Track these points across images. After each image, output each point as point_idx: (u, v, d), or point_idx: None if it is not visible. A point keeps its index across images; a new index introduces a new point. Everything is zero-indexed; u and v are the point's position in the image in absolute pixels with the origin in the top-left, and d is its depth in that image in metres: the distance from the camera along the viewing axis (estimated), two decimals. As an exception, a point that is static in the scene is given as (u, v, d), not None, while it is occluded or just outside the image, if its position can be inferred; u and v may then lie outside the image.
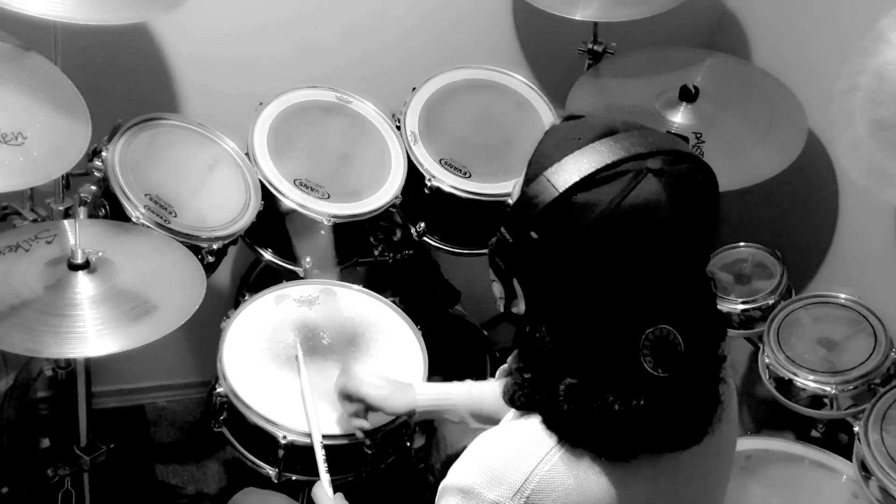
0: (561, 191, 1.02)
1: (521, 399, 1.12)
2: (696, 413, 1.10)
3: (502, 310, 1.14)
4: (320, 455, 1.61)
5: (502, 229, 1.09)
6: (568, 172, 1.02)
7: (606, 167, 1.01)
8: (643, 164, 1.02)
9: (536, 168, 1.06)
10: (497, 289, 1.14)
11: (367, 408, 1.64)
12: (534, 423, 1.09)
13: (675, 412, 1.07)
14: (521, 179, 1.11)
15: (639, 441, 1.07)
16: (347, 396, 1.65)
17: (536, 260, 1.06)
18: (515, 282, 1.10)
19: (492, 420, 1.61)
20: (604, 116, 1.12)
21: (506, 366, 1.50)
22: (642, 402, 1.03)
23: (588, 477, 1.06)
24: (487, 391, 1.61)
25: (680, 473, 1.13)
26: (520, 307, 1.11)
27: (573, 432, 1.06)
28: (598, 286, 1.03)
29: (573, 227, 1.02)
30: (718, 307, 1.13)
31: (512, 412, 1.16)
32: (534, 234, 1.05)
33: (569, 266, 1.03)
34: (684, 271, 1.05)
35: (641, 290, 1.02)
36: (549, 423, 1.08)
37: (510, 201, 1.12)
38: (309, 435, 1.67)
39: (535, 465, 1.06)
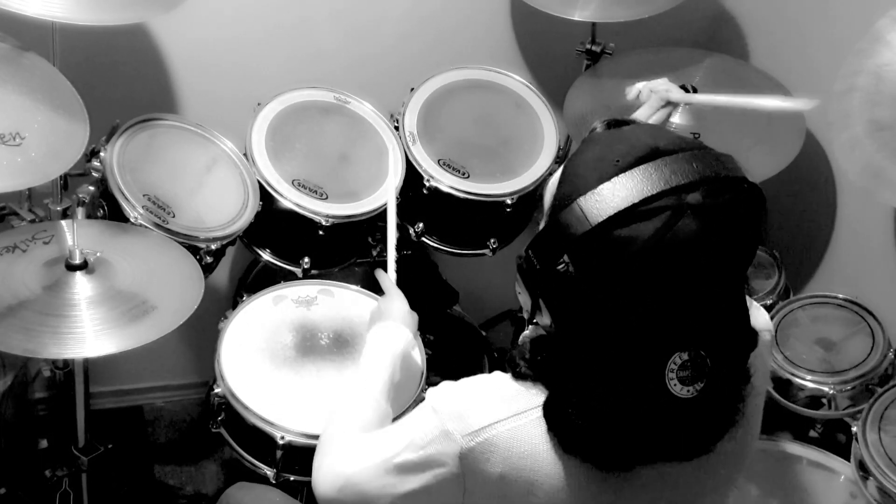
0: (594, 224, 0.97)
1: (524, 377, 1.11)
2: (709, 430, 1.08)
3: (526, 318, 1.13)
4: (392, 256, 1.69)
5: (530, 252, 1.05)
6: (604, 204, 0.97)
7: (644, 201, 0.96)
8: (684, 198, 0.97)
9: (569, 190, 1.02)
10: (524, 300, 1.12)
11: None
12: (524, 385, 1.10)
13: (689, 429, 1.05)
14: (552, 189, 1.07)
15: (631, 455, 1.06)
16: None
17: (564, 288, 1.03)
18: (541, 301, 1.08)
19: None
20: (647, 130, 1.07)
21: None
22: (659, 423, 1.03)
23: (548, 452, 1.07)
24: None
25: (668, 479, 1.12)
26: (545, 321, 1.09)
27: (572, 437, 1.06)
28: (629, 317, 1.00)
29: (606, 264, 0.98)
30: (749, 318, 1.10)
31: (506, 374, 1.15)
32: (563, 265, 1.01)
33: (599, 299, 1.00)
34: (718, 293, 1.03)
35: (672, 318, 1.00)
36: (548, 417, 1.07)
37: (546, 203, 1.08)
38: (310, 435, 1.67)
39: (501, 417, 1.07)
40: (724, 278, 1.03)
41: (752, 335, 1.10)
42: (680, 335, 1.01)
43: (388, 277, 1.69)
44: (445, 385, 1.14)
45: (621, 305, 1.00)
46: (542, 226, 1.08)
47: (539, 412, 1.08)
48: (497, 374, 1.15)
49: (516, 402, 1.09)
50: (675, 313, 1.00)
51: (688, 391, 1.01)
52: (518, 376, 1.12)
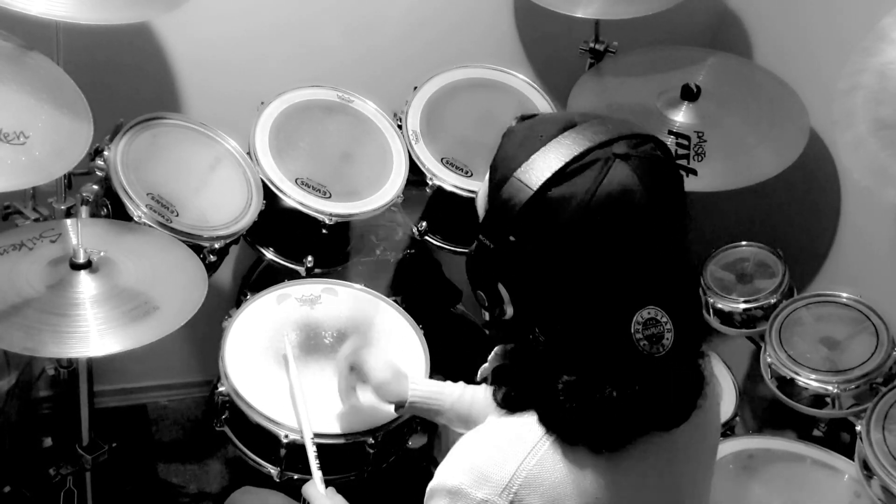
0: (535, 188, 1.03)
1: (515, 400, 1.11)
2: (686, 390, 1.11)
3: (487, 318, 1.15)
4: (311, 451, 1.61)
5: (480, 237, 1.10)
6: (539, 170, 1.03)
7: (575, 159, 1.03)
8: (609, 150, 1.03)
9: (504, 171, 1.07)
10: (481, 298, 1.14)
11: (363, 381, 1.66)
12: (519, 419, 1.09)
13: (669, 391, 1.07)
14: (485, 186, 1.11)
15: (632, 427, 1.07)
16: (350, 367, 1.66)
17: (520, 261, 1.06)
18: (501, 287, 1.10)
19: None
20: (558, 112, 1.14)
21: (486, 366, 1.50)
22: (638, 387, 1.04)
23: (576, 467, 1.06)
24: (479, 397, 1.60)
25: (669, 452, 1.13)
26: (507, 311, 1.11)
27: (572, 428, 1.06)
28: (585, 277, 1.03)
29: (553, 223, 1.03)
30: (695, 281, 1.14)
31: (496, 411, 1.15)
32: (513, 237, 1.05)
33: (553, 262, 1.04)
34: (664, 249, 1.06)
35: (627, 275, 1.03)
36: (547, 421, 1.07)
37: (479, 209, 1.13)
38: (301, 434, 1.67)
39: (521, 460, 1.06)
40: (664, 229, 1.06)
41: (699, 300, 1.15)
42: (637, 292, 1.04)
43: (316, 490, 1.54)
44: (445, 465, 1.11)
45: (573, 266, 1.03)
46: (483, 212, 1.11)
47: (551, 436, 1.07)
48: (487, 423, 1.14)
49: (524, 437, 1.08)
50: (625, 266, 1.03)
51: (657, 349, 1.04)
52: (517, 408, 1.11)
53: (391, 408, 1.70)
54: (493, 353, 1.25)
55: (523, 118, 1.16)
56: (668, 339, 1.04)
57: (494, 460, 1.07)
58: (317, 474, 1.57)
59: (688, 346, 1.09)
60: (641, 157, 1.04)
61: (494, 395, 1.15)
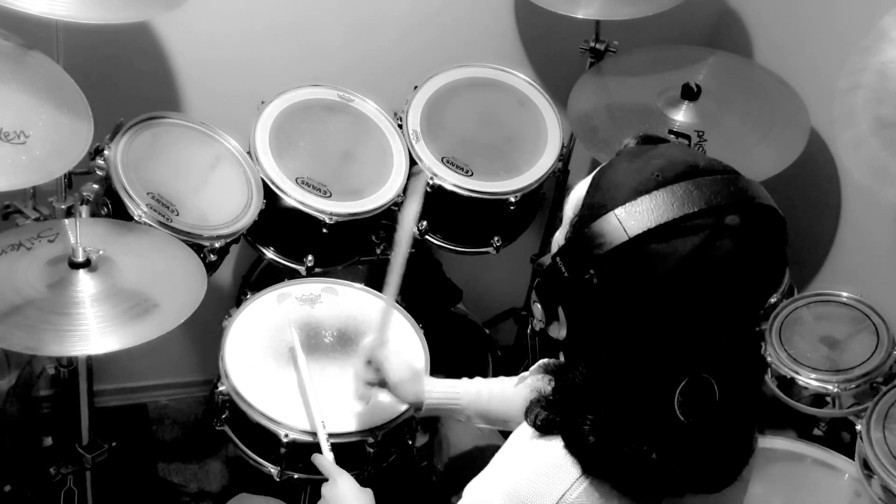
0: (632, 236, 0.96)
1: (544, 422, 1.08)
2: (729, 461, 1.08)
3: (538, 329, 1.12)
4: (326, 445, 1.61)
5: (558, 259, 1.03)
6: (642, 216, 0.95)
7: (685, 218, 0.95)
8: (723, 219, 0.96)
9: (605, 198, 0.99)
10: (538, 311, 1.09)
11: (380, 382, 1.64)
12: (557, 445, 1.06)
13: (704, 458, 1.04)
14: (579, 195, 1.05)
15: (661, 483, 1.04)
16: (368, 362, 1.64)
17: (591, 299, 1.01)
18: (561, 310, 1.06)
19: (499, 422, 1.61)
20: (683, 150, 1.05)
21: (528, 375, 1.46)
22: (670, 448, 1.01)
23: None
24: (497, 392, 1.59)
25: None
26: (560, 333, 1.07)
27: (596, 465, 1.03)
28: (651, 335, 0.99)
29: (639, 277, 0.97)
30: (761, 351, 1.10)
31: (530, 429, 1.12)
32: (593, 274, 0.99)
33: (625, 312, 0.99)
34: (738, 320, 1.03)
35: (692, 340, 0.99)
36: (571, 449, 1.05)
37: (567, 214, 1.06)
38: (312, 433, 1.67)
39: (563, 492, 1.03)
40: (749, 305, 1.02)
41: (763, 366, 1.09)
42: (696, 360, 1.00)
43: (326, 460, 1.56)
44: (480, 483, 1.08)
45: (642, 323, 0.98)
46: (568, 234, 1.05)
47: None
48: (524, 444, 1.10)
49: (566, 467, 1.04)
50: (696, 333, 0.99)
51: (691, 417, 1.00)
52: (545, 430, 1.08)
53: (395, 406, 1.70)
54: (536, 364, 1.24)
55: (645, 140, 1.09)
56: (706, 409, 1.01)
57: (535, 487, 1.04)
58: (328, 455, 1.58)
59: (735, 417, 1.05)
60: (751, 234, 0.98)
61: (527, 414, 1.12)
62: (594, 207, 1.00)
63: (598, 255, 0.98)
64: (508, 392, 1.60)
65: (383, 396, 1.70)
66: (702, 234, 0.95)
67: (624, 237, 0.96)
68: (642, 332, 0.99)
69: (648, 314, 0.98)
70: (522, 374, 1.49)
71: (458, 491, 1.15)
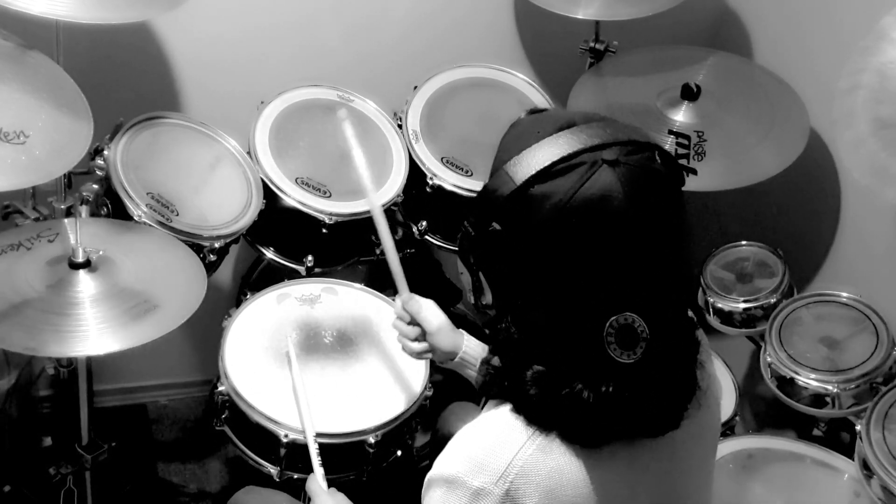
0: (518, 183, 1.04)
1: (492, 388, 1.14)
2: (669, 399, 1.10)
3: (472, 301, 1.17)
4: (314, 449, 1.61)
5: (465, 223, 1.12)
6: (525, 165, 1.05)
7: (562, 159, 1.04)
8: (599, 155, 1.03)
9: (497, 162, 1.10)
10: (466, 280, 1.17)
11: (423, 333, 1.64)
12: (506, 409, 1.11)
13: (646, 399, 1.07)
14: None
15: (610, 428, 1.08)
16: (406, 319, 1.64)
17: (498, 252, 1.08)
18: (481, 274, 1.12)
19: None
20: (565, 110, 1.14)
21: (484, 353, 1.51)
22: (610, 389, 1.05)
23: (566, 462, 1.07)
24: None
25: (657, 460, 1.14)
26: (487, 298, 1.13)
27: (543, 418, 1.08)
28: (559, 276, 1.05)
29: (530, 219, 1.04)
30: (692, 296, 1.14)
31: (490, 402, 1.17)
32: (495, 226, 1.07)
33: (529, 257, 1.06)
34: (649, 261, 1.06)
35: (602, 280, 1.04)
36: (519, 409, 1.09)
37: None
38: (303, 432, 1.67)
39: (517, 450, 1.07)
40: (648, 239, 1.05)
41: (691, 310, 1.14)
42: (613, 297, 1.04)
43: (317, 482, 1.56)
44: (442, 456, 1.12)
45: (547, 263, 1.05)
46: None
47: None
48: (482, 414, 1.15)
49: (519, 427, 1.09)
50: (602, 272, 1.03)
51: (627, 356, 1.04)
52: (495, 396, 1.13)
53: (395, 406, 1.69)
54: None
55: (532, 111, 1.17)
56: (641, 346, 1.04)
57: (491, 449, 1.08)
58: (318, 470, 1.57)
59: (671, 356, 1.08)
60: (632, 165, 1.03)
61: (476, 383, 1.16)
62: (491, 172, 1.11)
63: (494, 207, 1.07)
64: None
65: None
66: (580, 169, 1.03)
67: (512, 186, 1.05)
68: (551, 273, 1.05)
69: (550, 253, 1.04)
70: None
71: None
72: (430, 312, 1.63)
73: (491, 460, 1.07)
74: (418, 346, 1.64)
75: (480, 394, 1.17)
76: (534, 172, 1.04)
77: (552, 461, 1.07)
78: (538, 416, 1.08)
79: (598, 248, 1.03)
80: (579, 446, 1.07)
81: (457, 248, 1.16)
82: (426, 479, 1.13)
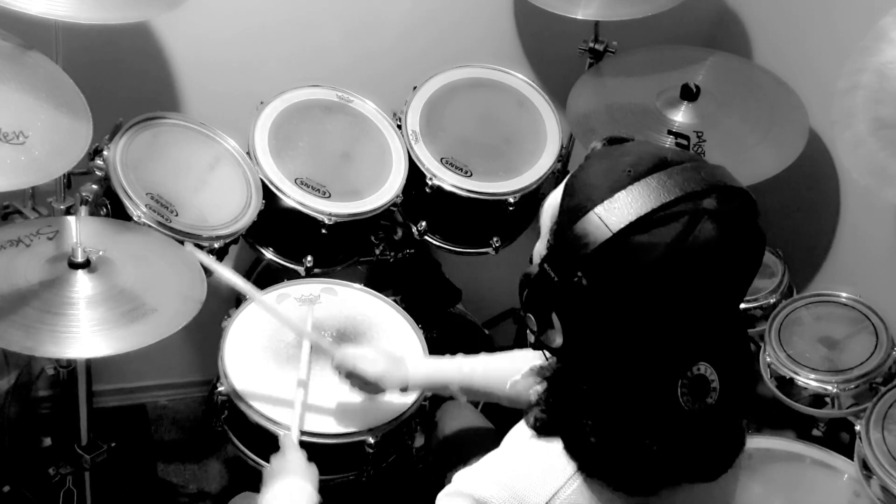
0: (615, 231, 0.96)
1: (543, 424, 1.10)
2: (725, 447, 1.09)
3: (533, 341, 1.10)
4: (298, 404, 1.65)
5: (546, 266, 1.03)
6: (622, 211, 0.97)
7: (662, 207, 0.97)
8: (699, 204, 0.98)
9: (583, 199, 1.00)
10: (530, 321, 1.09)
11: (366, 382, 1.66)
12: (556, 446, 1.07)
13: (710, 444, 1.06)
14: (555, 201, 1.05)
15: (663, 475, 1.05)
16: (347, 375, 1.68)
17: (583, 301, 1.01)
18: (555, 316, 1.05)
19: (481, 395, 1.66)
20: (650, 145, 1.07)
21: (520, 379, 1.50)
22: (676, 439, 1.02)
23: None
24: (479, 369, 1.64)
25: (698, 500, 1.12)
26: (556, 341, 1.06)
27: (596, 465, 1.04)
28: (648, 329, 1.00)
29: (627, 271, 0.97)
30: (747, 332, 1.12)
31: (528, 430, 1.13)
32: (581, 276, 0.99)
33: (619, 309, 1.00)
34: (727, 308, 1.04)
35: (690, 332, 1.00)
36: (571, 451, 1.06)
37: (545, 224, 1.07)
38: (309, 433, 1.67)
39: (557, 488, 1.04)
40: (734, 289, 1.03)
41: (752, 355, 1.11)
42: (695, 348, 1.01)
43: (290, 437, 1.61)
44: (474, 473, 1.09)
45: (639, 316, 0.99)
46: (549, 241, 1.06)
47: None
48: (523, 441, 1.11)
49: (559, 466, 1.06)
50: (691, 324, 1.00)
51: (699, 405, 1.02)
52: (546, 433, 1.09)
53: (395, 406, 1.70)
54: (528, 368, 1.25)
55: (611, 141, 1.10)
56: (712, 397, 1.02)
57: (532, 485, 1.04)
58: (295, 432, 1.62)
59: (733, 404, 1.06)
60: (729, 215, 0.99)
61: (526, 416, 1.13)
62: (573, 211, 1.01)
63: (584, 254, 0.98)
64: (490, 367, 1.64)
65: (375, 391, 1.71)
66: (682, 220, 0.97)
67: (607, 233, 0.97)
68: (639, 326, 1.00)
69: (642, 307, 0.99)
70: (514, 379, 1.51)
71: (451, 468, 1.17)
72: (366, 364, 1.65)
73: (530, 496, 1.04)
74: (367, 389, 1.68)
75: (535, 430, 1.11)
76: (633, 220, 0.96)
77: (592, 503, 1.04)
78: (594, 463, 1.04)
79: (690, 301, 0.99)
80: (623, 493, 1.04)
81: (521, 285, 1.08)
82: (450, 489, 1.11)
